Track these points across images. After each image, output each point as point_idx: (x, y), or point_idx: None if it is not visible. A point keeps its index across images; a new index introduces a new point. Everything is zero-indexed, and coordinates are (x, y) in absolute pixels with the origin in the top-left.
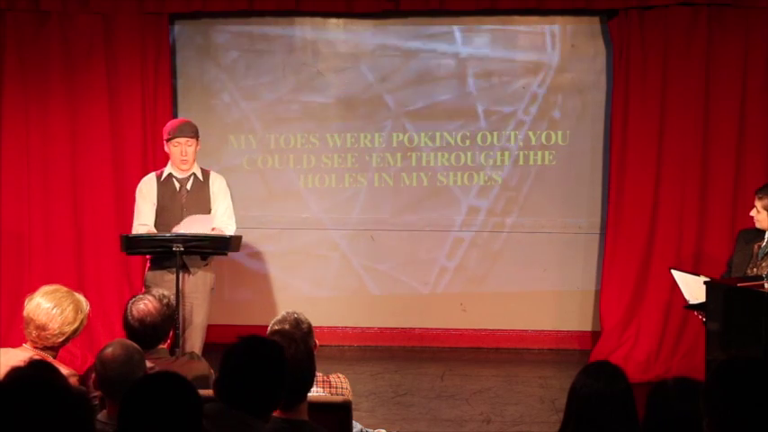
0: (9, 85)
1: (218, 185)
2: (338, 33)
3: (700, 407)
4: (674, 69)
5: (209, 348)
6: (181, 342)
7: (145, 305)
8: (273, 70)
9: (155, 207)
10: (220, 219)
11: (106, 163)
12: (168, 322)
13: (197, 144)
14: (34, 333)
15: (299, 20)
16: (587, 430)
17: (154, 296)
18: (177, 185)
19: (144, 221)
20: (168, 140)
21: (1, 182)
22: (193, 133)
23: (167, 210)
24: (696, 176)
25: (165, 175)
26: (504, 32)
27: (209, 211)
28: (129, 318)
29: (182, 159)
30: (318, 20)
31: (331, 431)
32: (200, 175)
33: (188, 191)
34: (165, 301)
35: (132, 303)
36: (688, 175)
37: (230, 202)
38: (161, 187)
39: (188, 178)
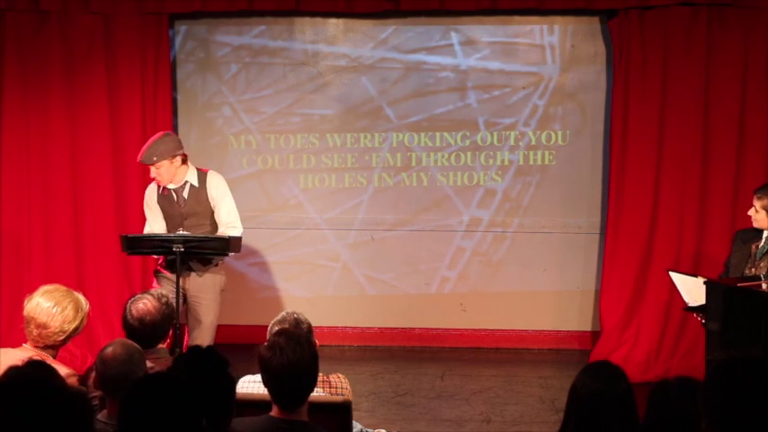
0: (9, 85)
1: (215, 187)
2: (339, 46)
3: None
4: (674, 69)
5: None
6: (188, 342)
7: (144, 304)
8: (273, 70)
9: (161, 214)
10: (225, 222)
11: (106, 163)
12: (168, 321)
13: (170, 162)
14: (35, 332)
15: (299, 25)
16: (587, 430)
17: (153, 295)
18: (174, 196)
19: (153, 229)
20: None
21: (1, 182)
22: (153, 159)
23: (170, 219)
24: (696, 176)
25: (162, 186)
26: (505, 32)
27: (210, 214)
28: (129, 317)
29: (158, 181)
30: (319, 23)
31: (331, 431)
32: (195, 181)
33: (185, 200)
34: (163, 300)
35: (131, 303)
36: (688, 175)
37: (232, 202)
38: (161, 199)
39: (182, 187)
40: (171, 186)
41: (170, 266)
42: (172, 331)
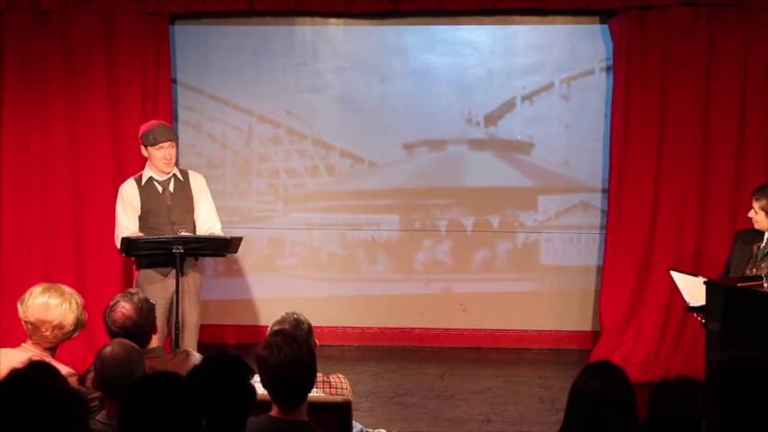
0: (9, 85)
1: (198, 184)
2: (339, 46)
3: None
4: (674, 69)
5: (205, 348)
6: (179, 342)
7: (121, 312)
8: (273, 70)
9: (137, 213)
10: (205, 220)
11: (106, 163)
12: (149, 316)
13: (177, 145)
14: (32, 331)
15: (299, 25)
16: (588, 430)
17: (126, 299)
18: (160, 188)
19: (126, 229)
20: (151, 145)
21: (1, 182)
22: (175, 135)
23: (153, 213)
24: (696, 176)
25: (145, 179)
26: (505, 32)
27: (192, 210)
28: (112, 327)
29: (165, 162)
30: (319, 23)
31: (331, 431)
32: (179, 176)
33: (171, 192)
34: (136, 298)
35: (108, 314)
36: (688, 175)
37: (212, 201)
38: (143, 192)
39: (168, 180)
40: (158, 178)
41: (154, 266)
42: (172, 332)
